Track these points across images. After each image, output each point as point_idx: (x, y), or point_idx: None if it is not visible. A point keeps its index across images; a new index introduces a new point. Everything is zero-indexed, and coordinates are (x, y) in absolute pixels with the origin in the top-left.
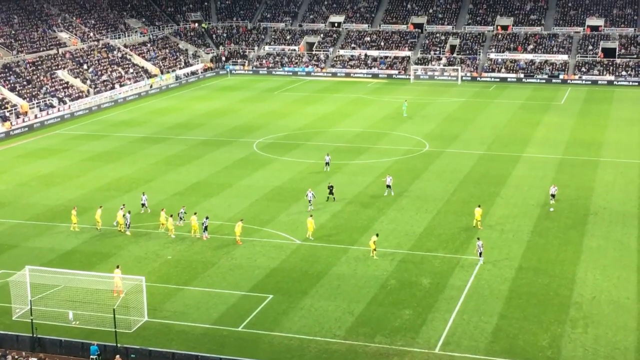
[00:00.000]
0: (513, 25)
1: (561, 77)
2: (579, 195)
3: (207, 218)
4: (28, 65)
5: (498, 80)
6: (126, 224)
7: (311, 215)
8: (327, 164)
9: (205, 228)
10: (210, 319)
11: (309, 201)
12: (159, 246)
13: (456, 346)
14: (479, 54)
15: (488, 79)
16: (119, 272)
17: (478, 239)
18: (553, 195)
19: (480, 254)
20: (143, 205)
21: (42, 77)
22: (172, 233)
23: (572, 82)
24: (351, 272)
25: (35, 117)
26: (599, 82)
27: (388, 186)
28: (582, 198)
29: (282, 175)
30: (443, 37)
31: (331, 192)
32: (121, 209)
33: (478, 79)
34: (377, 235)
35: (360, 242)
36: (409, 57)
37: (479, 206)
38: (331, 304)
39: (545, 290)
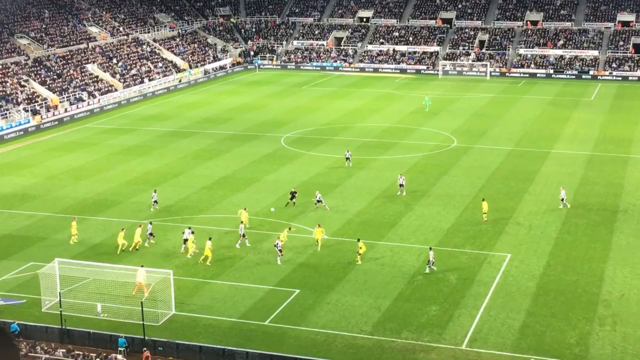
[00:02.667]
0: (543, 21)
1: (591, 73)
2: (608, 192)
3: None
4: (58, 59)
5: (527, 76)
6: (149, 234)
7: (319, 225)
8: (347, 159)
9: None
10: (237, 313)
11: (318, 201)
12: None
13: (483, 343)
14: (508, 50)
15: (517, 75)
16: (144, 271)
17: (430, 248)
18: (562, 199)
19: (432, 263)
20: (155, 202)
21: (72, 71)
22: (190, 253)
23: (603, 78)
24: (378, 267)
25: (65, 110)
26: (630, 78)
27: (401, 185)
28: (612, 195)
29: (310, 170)
30: (472, 33)
31: (292, 197)
32: (139, 226)
33: (507, 74)
34: (359, 240)
35: (388, 237)
36: (437, 52)
37: (484, 199)
38: (358, 299)
39: (573, 288)
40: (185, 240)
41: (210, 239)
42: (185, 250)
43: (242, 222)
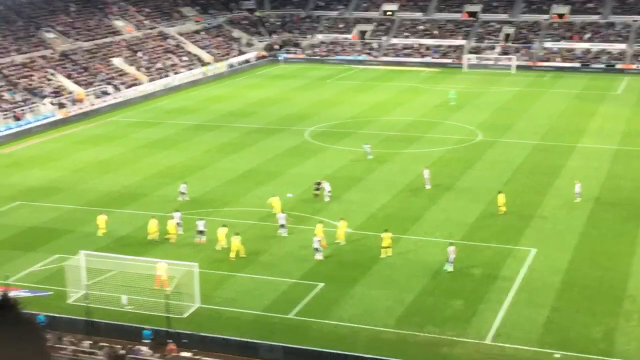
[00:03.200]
0: (569, 14)
1: (618, 66)
2: (635, 187)
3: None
4: (84, 52)
5: (553, 69)
6: (178, 225)
7: (342, 219)
8: (367, 153)
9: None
10: (261, 306)
11: (328, 192)
12: (212, 233)
13: (507, 337)
14: (534, 43)
15: (543, 68)
16: (165, 264)
17: (451, 244)
18: (578, 193)
19: (453, 259)
20: (183, 193)
21: (97, 65)
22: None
23: (630, 71)
24: (402, 261)
25: (91, 104)
26: None
27: (426, 178)
28: (639, 190)
29: (334, 163)
30: (498, 26)
31: (317, 189)
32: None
33: (533, 68)
34: (386, 230)
35: (412, 231)
36: (462, 45)
37: (500, 192)
38: (382, 293)
39: (598, 283)
40: (200, 232)
41: (237, 233)
42: (217, 243)
43: (281, 211)
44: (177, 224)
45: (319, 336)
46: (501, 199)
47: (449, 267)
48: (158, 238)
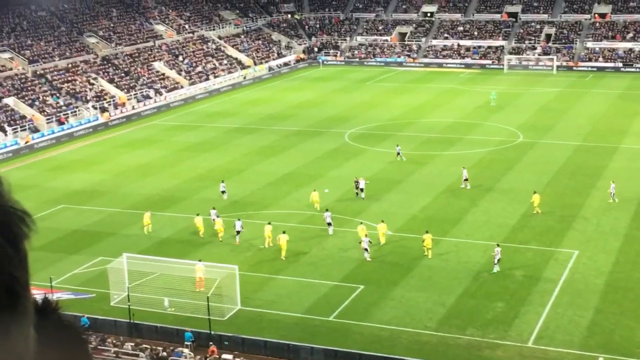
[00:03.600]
0: (611, 13)
1: None
2: None
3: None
4: (126, 57)
5: (595, 69)
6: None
7: (382, 221)
8: (398, 154)
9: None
10: (302, 309)
11: (362, 189)
12: (252, 235)
13: (550, 340)
14: (576, 43)
15: (585, 69)
16: (202, 266)
17: (497, 245)
18: (612, 194)
19: (498, 260)
20: (223, 192)
21: (139, 69)
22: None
23: None
24: (442, 263)
25: (133, 108)
26: None
27: (465, 179)
28: None
29: (373, 165)
30: (538, 26)
31: (357, 187)
32: (216, 216)
33: (574, 68)
34: (427, 231)
35: (452, 233)
36: (502, 46)
37: (535, 192)
38: (422, 295)
39: None
40: (238, 232)
41: (284, 232)
42: (265, 243)
43: (327, 210)
44: (213, 220)
45: (359, 339)
46: (536, 199)
47: (495, 269)
48: (202, 235)
